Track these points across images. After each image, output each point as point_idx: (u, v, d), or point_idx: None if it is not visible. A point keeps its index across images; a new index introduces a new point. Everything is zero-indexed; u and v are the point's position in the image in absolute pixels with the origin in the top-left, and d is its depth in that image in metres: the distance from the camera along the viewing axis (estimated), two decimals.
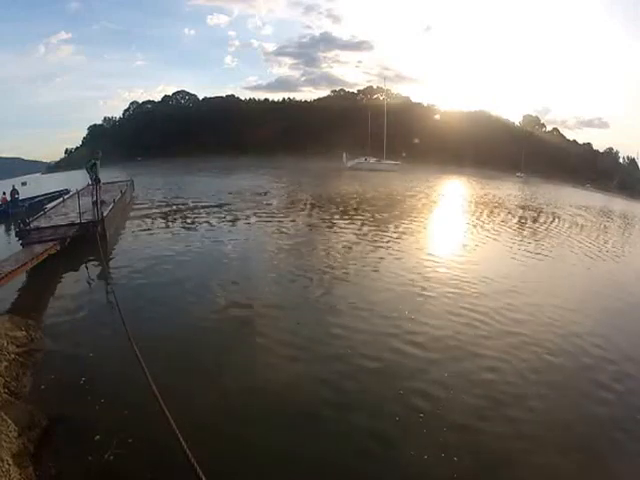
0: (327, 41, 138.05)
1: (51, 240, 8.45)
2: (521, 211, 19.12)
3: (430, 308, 6.42)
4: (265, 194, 19.50)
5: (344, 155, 40.23)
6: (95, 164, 11.54)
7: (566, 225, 16.58)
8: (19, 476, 2.93)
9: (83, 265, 8.30)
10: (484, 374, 4.66)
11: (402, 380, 4.45)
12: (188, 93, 76.31)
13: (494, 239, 12.27)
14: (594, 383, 4.74)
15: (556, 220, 17.53)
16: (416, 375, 4.57)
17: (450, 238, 12.48)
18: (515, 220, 16.37)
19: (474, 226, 14.24)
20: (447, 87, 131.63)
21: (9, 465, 2.95)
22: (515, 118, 72.26)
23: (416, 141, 54.91)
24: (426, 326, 5.76)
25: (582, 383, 4.74)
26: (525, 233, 13.78)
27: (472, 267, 8.77)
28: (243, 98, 74.93)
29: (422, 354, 5.01)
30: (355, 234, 11.46)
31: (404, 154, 49.91)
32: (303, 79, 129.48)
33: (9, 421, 3.44)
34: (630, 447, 3.78)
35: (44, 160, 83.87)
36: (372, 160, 40.32)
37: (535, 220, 16.94)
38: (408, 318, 5.97)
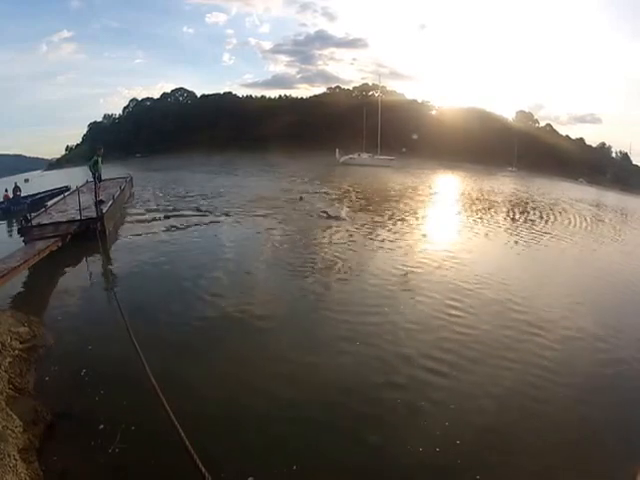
0: (322, 39, 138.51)
1: (53, 237, 8.46)
2: (511, 205, 19.22)
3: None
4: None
5: (337, 151, 40.31)
6: (97, 161, 11.46)
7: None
8: (26, 471, 2.94)
9: (84, 261, 8.34)
10: None
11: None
12: (186, 90, 75.90)
13: (483, 235, 12.30)
14: None
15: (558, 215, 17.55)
16: None
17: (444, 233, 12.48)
18: (504, 213, 16.48)
19: (462, 222, 14.27)
20: (442, 84, 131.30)
21: (16, 460, 2.97)
22: (508, 114, 72.06)
23: (415, 137, 54.84)
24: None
25: None
26: (518, 226, 13.79)
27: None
28: (240, 95, 74.62)
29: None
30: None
31: (404, 149, 49.87)
32: (299, 76, 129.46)
33: (14, 417, 3.46)
34: None
35: (46, 157, 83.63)
36: (365, 155, 40.23)
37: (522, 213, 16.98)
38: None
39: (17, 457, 3.01)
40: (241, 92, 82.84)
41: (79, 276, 7.58)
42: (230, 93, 74.79)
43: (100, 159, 11.58)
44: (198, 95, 74.78)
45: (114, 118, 75.94)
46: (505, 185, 30.70)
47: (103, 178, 12.81)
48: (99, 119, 76.08)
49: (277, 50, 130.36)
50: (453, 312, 6.03)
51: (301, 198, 16.06)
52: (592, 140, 71.73)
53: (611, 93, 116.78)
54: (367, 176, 27.80)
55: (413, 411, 3.88)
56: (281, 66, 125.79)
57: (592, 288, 8.24)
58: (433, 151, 52.11)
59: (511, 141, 55.87)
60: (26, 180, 31.36)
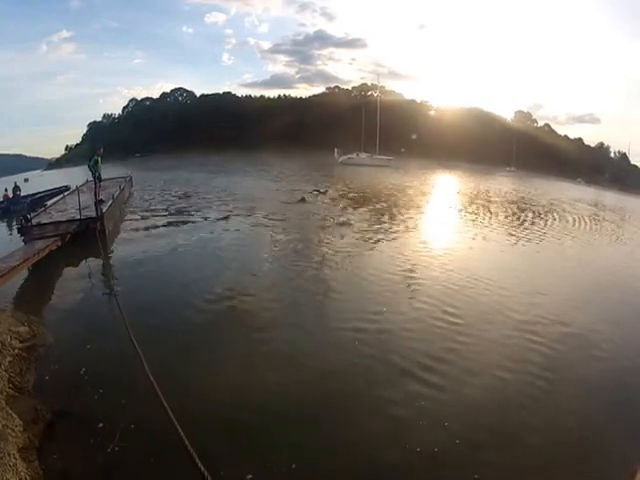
0: (321, 39, 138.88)
1: (52, 236, 8.46)
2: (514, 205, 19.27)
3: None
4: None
5: (335, 150, 40.39)
6: (97, 161, 11.44)
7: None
8: (26, 470, 2.94)
9: (83, 260, 8.34)
10: None
11: None
12: (186, 90, 76.08)
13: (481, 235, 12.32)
14: None
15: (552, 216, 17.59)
16: None
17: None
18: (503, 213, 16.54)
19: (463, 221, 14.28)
20: (440, 84, 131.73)
21: (16, 459, 2.97)
22: (507, 114, 72.48)
23: (413, 137, 55.03)
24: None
25: None
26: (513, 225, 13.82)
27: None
28: (239, 95, 74.76)
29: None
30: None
31: (403, 149, 50.02)
32: (298, 76, 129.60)
33: (14, 416, 3.47)
34: None
35: (46, 157, 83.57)
36: (363, 155, 40.31)
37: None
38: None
39: (17, 456, 3.01)
40: (240, 92, 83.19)
41: (79, 275, 7.57)
42: (229, 93, 75.07)
43: (100, 159, 11.56)
44: (197, 95, 75.03)
45: (114, 118, 75.98)
46: (504, 185, 30.84)
47: (103, 178, 12.77)
48: (99, 119, 76.20)
49: (276, 50, 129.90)
50: (453, 321, 5.88)
51: (303, 199, 16.00)
52: (591, 140, 72.74)
53: (610, 93, 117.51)
54: (366, 176, 27.86)
55: (412, 412, 3.88)
56: (280, 66, 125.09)
57: (593, 288, 8.22)
58: (432, 151, 52.32)
59: (510, 141, 56.19)
60: (26, 180, 31.42)
